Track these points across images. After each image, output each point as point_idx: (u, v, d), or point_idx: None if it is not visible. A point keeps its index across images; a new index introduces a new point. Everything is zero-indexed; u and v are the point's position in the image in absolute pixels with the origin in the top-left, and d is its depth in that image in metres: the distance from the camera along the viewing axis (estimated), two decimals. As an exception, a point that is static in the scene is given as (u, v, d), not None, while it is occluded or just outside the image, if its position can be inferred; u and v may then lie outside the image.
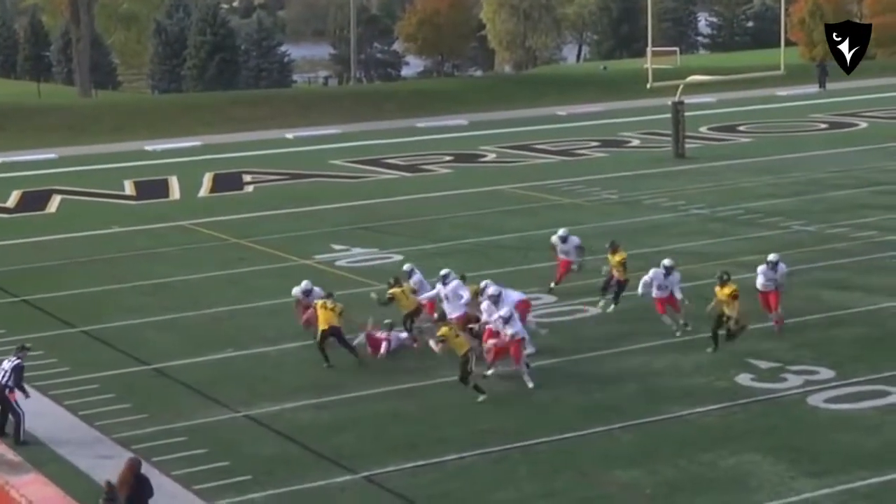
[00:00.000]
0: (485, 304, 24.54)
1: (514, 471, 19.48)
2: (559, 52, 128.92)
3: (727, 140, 56.14)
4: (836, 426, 20.88)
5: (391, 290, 26.23)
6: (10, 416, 21.43)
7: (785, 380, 23.18)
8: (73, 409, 22.96)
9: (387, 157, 53.74)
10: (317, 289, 26.26)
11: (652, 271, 26.07)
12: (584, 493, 18.60)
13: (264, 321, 27.91)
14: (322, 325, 24.77)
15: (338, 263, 34.10)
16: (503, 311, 23.51)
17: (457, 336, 22.89)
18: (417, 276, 27.35)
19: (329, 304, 25.04)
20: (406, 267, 27.88)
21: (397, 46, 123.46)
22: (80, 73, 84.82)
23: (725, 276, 25.05)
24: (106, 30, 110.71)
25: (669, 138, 51.74)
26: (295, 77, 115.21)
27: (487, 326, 23.97)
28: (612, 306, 27.82)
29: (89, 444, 21.15)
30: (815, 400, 22.08)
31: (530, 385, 23.08)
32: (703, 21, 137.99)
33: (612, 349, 25.29)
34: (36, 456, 19.78)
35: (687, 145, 51.24)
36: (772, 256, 26.66)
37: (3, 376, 21.51)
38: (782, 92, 69.63)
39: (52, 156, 56.52)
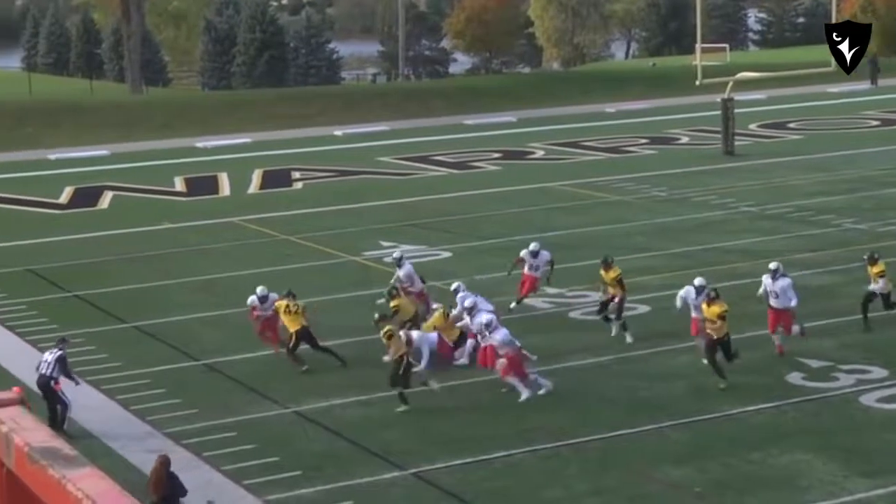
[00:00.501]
0: (466, 320, 24.17)
1: (563, 468, 19.46)
2: (607, 48, 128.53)
3: (777, 137, 55.81)
4: (890, 426, 20.71)
5: (394, 303, 25.71)
6: (58, 407, 21.67)
7: (836, 379, 23.02)
8: (125, 403, 23.15)
9: (435, 154, 53.77)
10: (272, 294, 25.64)
11: (685, 289, 24.57)
12: (633, 490, 18.55)
13: (312, 317, 27.93)
14: (292, 328, 24.61)
15: (386, 260, 34.14)
16: (484, 318, 23.02)
17: (393, 336, 22.68)
18: (408, 268, 27.39)
19: (292, 305, 24.80)
20: (395, 254, 28.00)
21: (445, 43, 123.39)
22: (131, 71, 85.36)
23: (713, 293, 23.36)
24: (156, 27, 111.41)
25: (719, 135, 51.48)
26: (343, 74, 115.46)
27: (483, 345, 23.26)
28: (627, 337, 25.68)
29: (141, 439, 21.32)
30: (868, 399, 21.92)
31: (523, 397, 22.27)
32: (753, 17, 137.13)
33: (659, 347, 25.20)
34: (88, 450, 19.93)
35: (736, 142, 50.99)
36: (773, 265, 25.06)
37: (48, 368, 21.76)
38: (833, 88, 69.12)
39: (103, 152, 56.90)
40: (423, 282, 27.77)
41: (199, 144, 58.63)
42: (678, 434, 20.73)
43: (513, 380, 22.44)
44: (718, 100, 51.61)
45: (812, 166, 46.84)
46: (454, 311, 24.79)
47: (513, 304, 27.92)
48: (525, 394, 22.32)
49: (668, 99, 68.72)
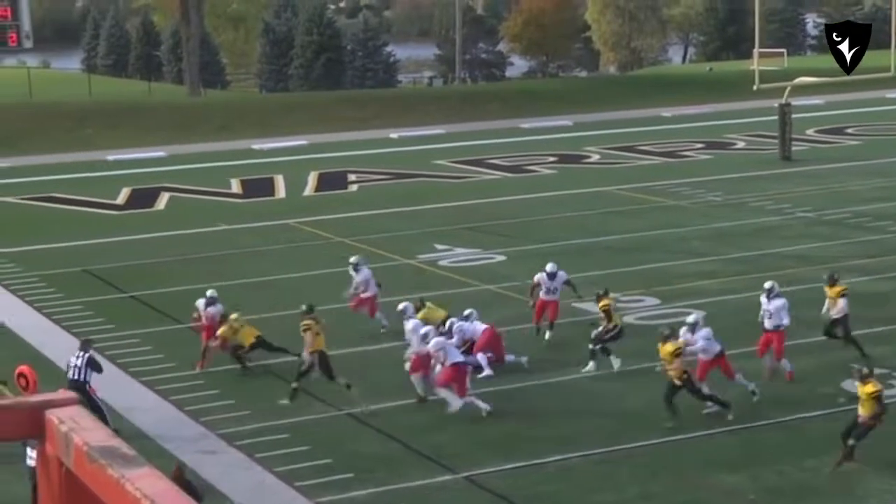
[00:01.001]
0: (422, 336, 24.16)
1: (614, 473, 19.45)
2: (664, 53, 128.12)
3: (835, 143, 55.41)
4: (945, 435, 20.51)
5: (420, 315, 25.36)
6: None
7: (893, 386, 22.84)
8: (179, 404, 23.34)
9: (490, 158, 53.76)
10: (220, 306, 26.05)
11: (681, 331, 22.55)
12: (685, 496, 18.51)
13: (366, 320, 28.07)
14: (248, 341, 24.96)
15: (441, 263, 34.24)
16: (423, 330, 23.17)
17: (317, 334, 23.07)
18: (365, 272, 27.38)
19: (235, 323, 25.05)
20: (353, 259, 27.98)
21: (502, 47, 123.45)
22: (190, 72, 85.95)
23: (667, 332, 21.92)
24: (215, 29, 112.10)
25: (776, 140, 51.20)
26: (400, 77, 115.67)
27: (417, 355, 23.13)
28: (591, 365, 24.29)
29: (194, 440, 21.49)
30: (923, 408, 21.72)
31: (451, 409, 21.95)
32: (811, 22, 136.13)
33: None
34: (142, 450, 19.92)
35: (793, 148, 50.67)
36: (768, 284, 24.01)
37: (79, 373, 21.83)
38: (892, 94, 68.48)
39: (161, 154, 57.30)
40: (379, 286, 27.72)
41: (256, 146, 58.92)
42: (731, 440, 20.66)
43: (445, 392, 22.18)
44: (776, 105, 51.32)
45: (870, 172, 46.48)
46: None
47: (548, 335, 26.30)
48: (455, 404, 21.96)
49: (725, 104, 68.32)
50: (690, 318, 22.74)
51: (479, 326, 24.82)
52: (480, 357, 24.26)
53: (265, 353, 25.45)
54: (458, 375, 22.17)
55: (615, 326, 24.64)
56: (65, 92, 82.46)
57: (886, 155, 50.29)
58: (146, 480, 3.73)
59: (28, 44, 58.98)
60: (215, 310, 25.72)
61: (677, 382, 21.20)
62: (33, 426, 4.15)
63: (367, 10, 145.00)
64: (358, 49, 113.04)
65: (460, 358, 22.45)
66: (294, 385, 23.10)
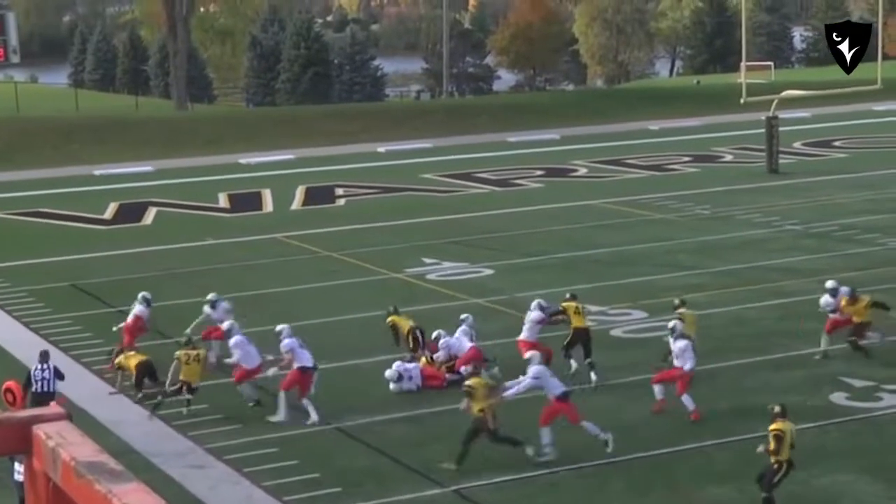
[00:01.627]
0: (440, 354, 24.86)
1: (605, 486, 19.43)
2: (652, 66, 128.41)
3: (822, 155, 55.53)
4: (933, 447, 20.55)
5: (389, 320, 25.98)
6: None
7: (880, 399, 22.88)
8: (166, 418, 23.27)
9: (478, 172, 53.76)
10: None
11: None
12: (674, 510, 18.49)
13: (355, 334, 28.07)
14: (135, 361, 24.87)
15: (428, 277, 34.22)
16: (279, 327, 23.70)
17: (187, 363, 23.35)
18: (224, 305, 27.16)
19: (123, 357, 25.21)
20: (211, 296, 27.51)
21: (489, 60, 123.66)
22: (177, 87, 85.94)
23: (476, 369, 21.68)
24: (202, 44, 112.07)
25: (763, 153, 51.29)
26: (387, 91, 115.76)
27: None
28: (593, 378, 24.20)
29: (182, 454, 21.43)
30: (912, 420, 21.77)
31: (310, 420, 22.59)
32: (798, 36, 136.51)
33: (703, 366, 25.00)
34: (129, 465, 19.96)
35: (781, 160, 50.76)
36: (671, 323, 23.25)
37: (49, 385, 21.90)
38: (879, 107, 68.70)
39: (148, 168, 57.22)
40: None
41: (243, 161, 58.88)
42: (721, 453, 20.65)
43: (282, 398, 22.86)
44: (763, 118, 51.42)
45: (857, 184, 46.57)
46: (438, 356, 25.02)
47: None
48: (280, 415, 22.76)
49: (713, 117, 68.46)
50: (528, 354, 22.07)
51: (466, 343, 24.85)
52: (464, 371, 24.33)
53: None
54: (303, 379, 22.79)
55: (573, 330, 24.60)
56: (52, 106, 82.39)
57: (874, 168, 50.40)
58: (134, 496, 3.71)
59: (15, 58, 58.91)
60: (146, 311, 26.51)
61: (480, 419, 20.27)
62: (21, 441, 4.13)
63: (355, 24, 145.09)
64: (345, 63, 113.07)
65: (309, 363, 22.95)
66: (156, 401, 23.48)
